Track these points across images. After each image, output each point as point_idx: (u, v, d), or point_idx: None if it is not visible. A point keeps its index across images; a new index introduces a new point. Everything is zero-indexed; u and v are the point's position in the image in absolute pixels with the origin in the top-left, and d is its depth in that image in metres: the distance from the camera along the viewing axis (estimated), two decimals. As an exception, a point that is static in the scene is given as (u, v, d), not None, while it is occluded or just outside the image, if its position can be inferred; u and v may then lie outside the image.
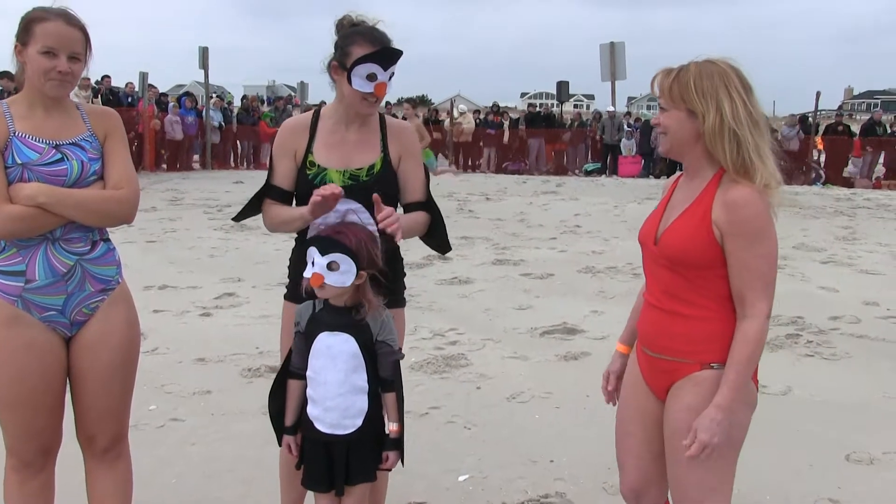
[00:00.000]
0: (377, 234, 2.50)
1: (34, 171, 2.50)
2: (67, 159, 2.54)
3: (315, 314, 2.57)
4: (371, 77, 2.55)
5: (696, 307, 2.31)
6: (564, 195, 15.73)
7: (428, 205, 2.78)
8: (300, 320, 2.59)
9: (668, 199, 2.47)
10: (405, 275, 2.87)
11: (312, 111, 2.78)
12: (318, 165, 2.68)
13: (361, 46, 2.56)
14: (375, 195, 2.51)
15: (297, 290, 2.66)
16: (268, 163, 2.80)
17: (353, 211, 2.60)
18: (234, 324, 6.17)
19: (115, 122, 2.66)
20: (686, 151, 2.36)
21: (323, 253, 2.45)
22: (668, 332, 2.37)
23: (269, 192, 2.76)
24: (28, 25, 2.50)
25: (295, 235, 2.82)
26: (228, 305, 6.72)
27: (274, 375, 2.77)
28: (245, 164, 22.05)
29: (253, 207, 2.80)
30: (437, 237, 2.82)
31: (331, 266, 2.43)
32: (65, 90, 2.56)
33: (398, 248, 2.74)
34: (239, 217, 2.82)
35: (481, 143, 22.93)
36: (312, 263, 2.47)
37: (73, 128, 2.58)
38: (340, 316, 2.52)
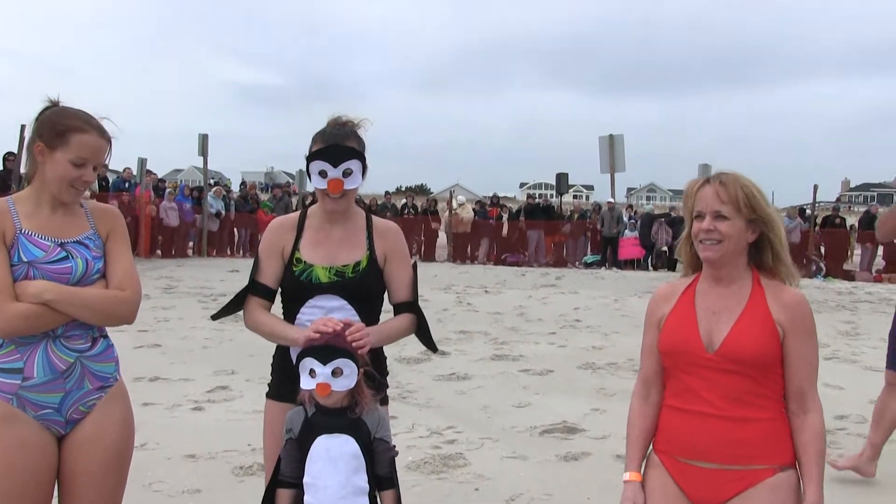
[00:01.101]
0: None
1: (39, 269, 2.53)
2: (72, 257, 2.57)
3: (309, 418, 2.55)
4: (322, 174, 2.65)
5: (765, 409, 2.39)
6: (564, 288, 15.82)
7: (413, 305, 2.82)
8: (292, 426, 2.56)
9: (692, 305, 2.49)
10: (387, 372, 2.90)
11: (300, 211, 2.86)
12: (305, 262, 2.73)
13: (316, 144, 2.67)
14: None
15: (281, 387, 2.67)
16: (255, 261, 2.84)
17: (339, 309, 2.66)
18: (227, 419, 6.09)
19: (117, 221, 2.71)
20: (735, 258, 2.48)
21: (325, 362, 2.47)
22: (737, 440, 2.37)
23: (253, 289, 2.80)
24: (64, 133, 2.54)
25: None
26: (221, 399, 6.65)
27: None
28: (241, 251, 22.16)
29: (235, 305, 2.82)
30: (422, 337, 2.87)
31: (335, 372, 2.46)
32: (80, 196, 2.62)
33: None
34: (218, 315, 2.84)
35: (480, 234, 23.21)
36: (311, 374, 2.48)
37: (78, 226, 2.63)
38: (337, 417, 2.51)
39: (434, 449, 5.49)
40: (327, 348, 2.46)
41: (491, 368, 8.11)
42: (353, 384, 2.47)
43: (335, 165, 2.63)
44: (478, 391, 7.21)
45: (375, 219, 2.86)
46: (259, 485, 2.81)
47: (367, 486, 2.50)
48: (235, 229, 22.35)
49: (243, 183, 25.41)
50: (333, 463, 2.48)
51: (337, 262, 2.73)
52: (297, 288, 2.67)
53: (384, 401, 2.82)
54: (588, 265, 22.34)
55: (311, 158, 2.65)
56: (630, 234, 22.24)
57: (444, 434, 5.86)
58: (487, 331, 10.35)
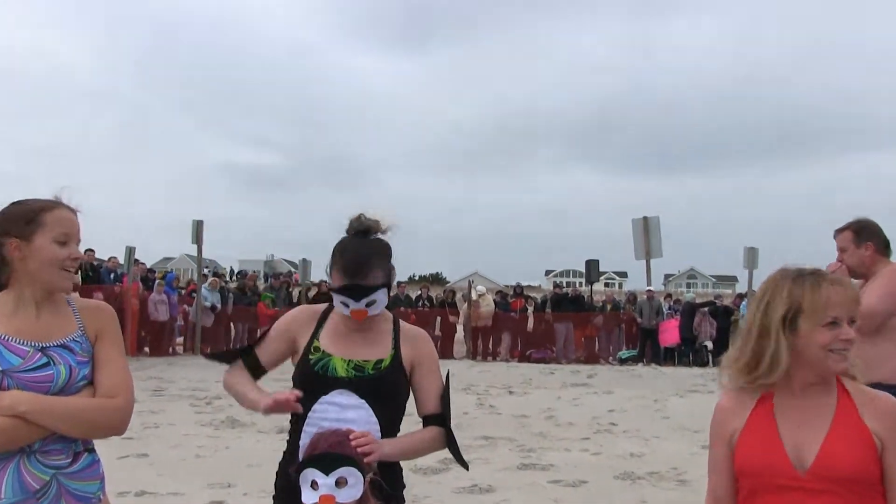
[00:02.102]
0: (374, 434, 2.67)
1: (15, 378, 2.45)
2: (54, 364, 2.50)
3: None
4: (345, 304, 2.80)
5: None
6: (597, 387, 15.64)
7: (442, 419, 2.85)
8: None
9: (772, 418, 2.44)
10: (404, 485, 2.90)
11: (327, 304, 2.92)
12: (323, 351, 2.81)
13: (338, 274, 2.80)
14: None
15: (289, 502, 2.66)
16: (264, 332, 2.97)
17: (355, 407, 2.71)
18: (222, 539, 6.01)
19: (109, 320, 2.65)
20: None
21: (327, 471, 2.48)
22: None
23: (245, 354, 2.94)
24: (35, 217, 2.52)
25: (287, 437, 2.89)
26: (215, 516, 6.57)
27: None
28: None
29: (230, 357, 2.98)
30: (452, 453, 2.89)
31: (339, 483, 2.46)
32: (73, 280, 2.58)
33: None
34: (212, 356, 3.03)
35: (502, 328, 23.08)
36: (313, 485, 2.48)
37: (64, 326, 2.57)
38: None
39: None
40: (329, 456, 2.48)
41: (517, 479, 7.98)
42: (359, 494, 2.48)
43: (357, 300, 2.78)
44: None
45: (403, 324, 2.95)
46: None
47: None
48: (232, 324, 22.11)
49: (241, 272, 25.52)
50: None
51: (358, 356, 2.80)
52: (311, 379, 2.74)
53: None
54: (623, 361, 22.16)
55: (334, 291, 2.81)
56: (671, 318, 22.21)
57: (466, 555, 5.74)
58: (513, 436, 10.18)
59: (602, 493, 7.54)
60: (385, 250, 2.82)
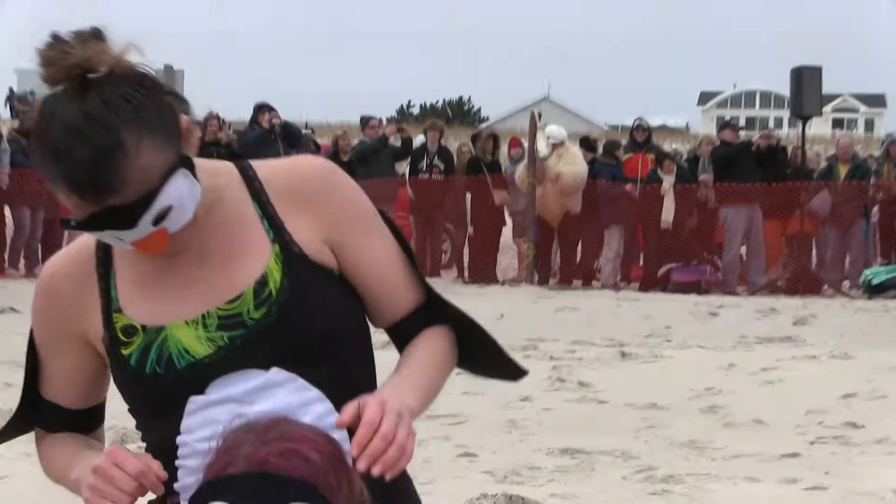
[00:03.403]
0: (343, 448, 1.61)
1: None
2: None
3: None
4: (117, 238, 1.80)
5: None
6: (816, 344, 10.52)
7: (436, 308, 1.91)
8: None
9: None
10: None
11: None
12: (142, 328, 1.82)
13: (64, 188, 1.75)
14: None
15: None
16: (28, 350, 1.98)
17: (267, 389, 1.74)
18: None
19: None
20: None
21: None
22: None
23: (36, 416, 1.96)
24: None
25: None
26: None
27: None
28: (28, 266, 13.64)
29: (14, 429, 1.98)
30: (485, 356, 1.92)
31: None
32: None
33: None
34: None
35: (604, 218, 14.67)
36: None
37: None
38: None
39: None
40: (268, 480, 1.48)
41: None
42: None
43: (129, 227, 1.71)
44: None
45: (266, 171, 1.87)
46: None
47: None
48: (9, 210, 13.97)
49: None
50: None
51: (210, 298, 1.81)
52: (145, 392, 1.80)
53: None
54: (875, 288, 13.60)
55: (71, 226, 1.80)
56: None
57: None
58: (629, 448, 6.71)
59: None
60: (147, 104, 1.71)
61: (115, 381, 1.90)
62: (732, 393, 8.36)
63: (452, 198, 15.40)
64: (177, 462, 1.81)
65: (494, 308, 11.43)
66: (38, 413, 1.96)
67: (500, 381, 2.08)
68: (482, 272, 15.32)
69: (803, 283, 14.35)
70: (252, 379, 1.78)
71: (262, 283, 1.81)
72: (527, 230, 14.95)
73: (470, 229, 15.65)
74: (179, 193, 1.73)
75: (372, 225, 1.91)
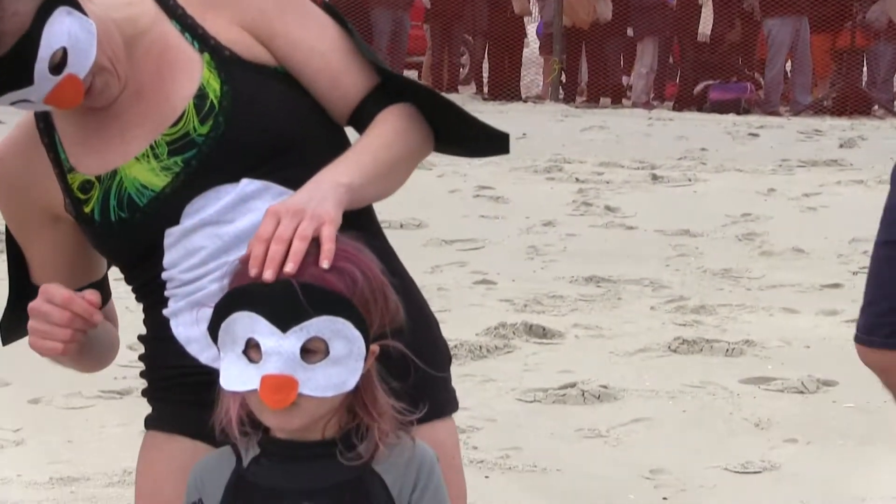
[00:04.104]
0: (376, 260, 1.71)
1: None
2: None
3: (243, 472, 1.74)
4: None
5: None
6: (863, 168, 10.03)
7: (395, 87, 1.93)
8: (200, 497, 1.76)
9: None
10: (449, 357, 2.01)
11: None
12: (97, 178, 1.91)
13: None
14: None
15: (167, 409, 1.96)
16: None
17: (248, 201, 1.82)
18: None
19: None
20: None
21: (288, 322, 1.58)
22: None
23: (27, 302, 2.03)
24: None
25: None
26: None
27: None
28: None
29: (15, 322, 2.07)
30: (460, 131, 1.97)
31: (308, 349, 1.60)
32: None
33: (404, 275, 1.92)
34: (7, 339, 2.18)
35: (636, 31, 14.51)
36: (250, 352, 1.62)
37: None
38: (311, 465, 1.71)
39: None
40: (288, 290, 1.56)
41: (676, 367, 5.15)
42: (351, 382, 1.62)
43: (28, 83, 1.80)
44: (640, 429, 4.46)
45: None
46: None
47: None
48: None
49: None
50: None
51: (157, 126, 1.88)
52: (120, 241, 1.89)
53: (445, 407, 1.98)
54: None
55: None
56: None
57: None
58: (658, 277, 6.70)
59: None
60: None
61: (91, 245, 1.98)
62: (771, 219, 8.26)
63: (472, 6, 14.92)
64: (165, 293, 1.86)
65: (516, 126, 10.91)
66: (26, 298, 2.03)
67: (484, 156, 2.13)
68: (503, 88, 15.24)
69: (851, 103, 13.93)
70: (223, 196, 1.81)
71: (200, 96, 1.84)
72: (553, 41, 14.67)
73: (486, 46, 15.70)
74: (68, 32, 1.75)
75: (300, 11, 1.92)
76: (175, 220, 1.81)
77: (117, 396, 4.53)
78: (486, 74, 15.88)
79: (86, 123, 1.92)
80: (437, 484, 1.72)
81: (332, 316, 1.59)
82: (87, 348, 1.87)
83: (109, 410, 4.38)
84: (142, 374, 2.00)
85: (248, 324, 1.60)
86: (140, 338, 1.98)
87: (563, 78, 14.97)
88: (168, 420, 1.92)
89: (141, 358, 1.99)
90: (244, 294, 1.60)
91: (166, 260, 1.84)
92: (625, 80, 15.59)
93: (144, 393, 2.00)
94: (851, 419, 4.65)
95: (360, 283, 1.62)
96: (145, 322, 1.99)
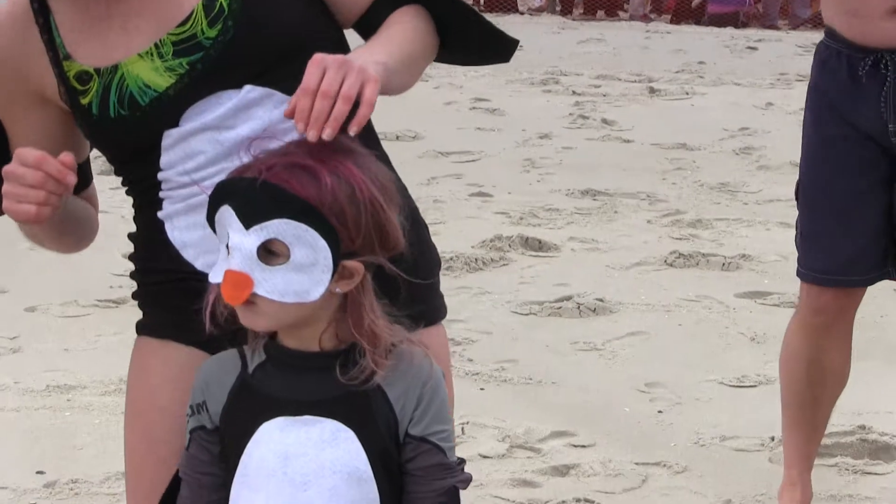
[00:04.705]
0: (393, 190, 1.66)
1: None
2: None
3: (250, 377, 1.72)
4: None
5: None
6: None
7: None
8: (206, 398, 1.72)
9: None
10: (439, 264, 2.00)
11: None
12: (96, 71, 1.86)
13: None
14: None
15: (160, 315, 1.93)
16: None
17: (251, 107, 1.76)
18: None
19: None
20: None
21: (251, 219, 1.58)
22: None
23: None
24: None
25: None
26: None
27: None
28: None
29: None
30: (468, 33, 1.96)
31: (270, 251, 1.60)
32: None
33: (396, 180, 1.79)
34: None
35: None
36: (227, 249, 1.62)
37: None
38: (313, 377, 1.66)
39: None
40: (269, 189, 1.55)
41: (667, 281, 5.16)
42: (315, 293, 1.58)
43: None
44: (633, 342, 4.41)
45: None
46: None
47: None
48: None
49: None
50: (298, 487, 1.64)
51: (163, 24, 1.83)
52: (116, 138, 1.85)
53: (435, 313, 1.96)
54: None
55: None
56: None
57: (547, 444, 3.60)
58: (655, 191, 6.63)
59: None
60: None
61: (85, 136, 1.95)
62: (769, 133, 8.24)
63: None
64: (160, 194, 1.83)
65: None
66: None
67: (484, 64, 2.10)
68: (500, 0, 15.33)
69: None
70: (225, 102, 1.79)
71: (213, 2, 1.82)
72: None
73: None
74: None
75: None
76: (174, 122, 1.79)
77: (113, 305, 4.47)
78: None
79: (85, 8, 1.86)
80: (442, 402, 1.70)
81: (293, 220, 1.57)
82: (63, 221, 1.84)
83: (105, 319, 4.34)
84: (132, 276, 1.99)
85: (227, 217, 1.61)
86: (130, 236, 1.96)
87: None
88: (162, 326, 1.91)
89: (131, 258, 1.97)
90: (224, 187, 1.61)
91: (163, 160, 1.81)
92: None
93: (135, 296, 1.99)
94: (847, 333, 4.74)
95: (337, 195, 1.57)
96: (136, 220, 1.96)
